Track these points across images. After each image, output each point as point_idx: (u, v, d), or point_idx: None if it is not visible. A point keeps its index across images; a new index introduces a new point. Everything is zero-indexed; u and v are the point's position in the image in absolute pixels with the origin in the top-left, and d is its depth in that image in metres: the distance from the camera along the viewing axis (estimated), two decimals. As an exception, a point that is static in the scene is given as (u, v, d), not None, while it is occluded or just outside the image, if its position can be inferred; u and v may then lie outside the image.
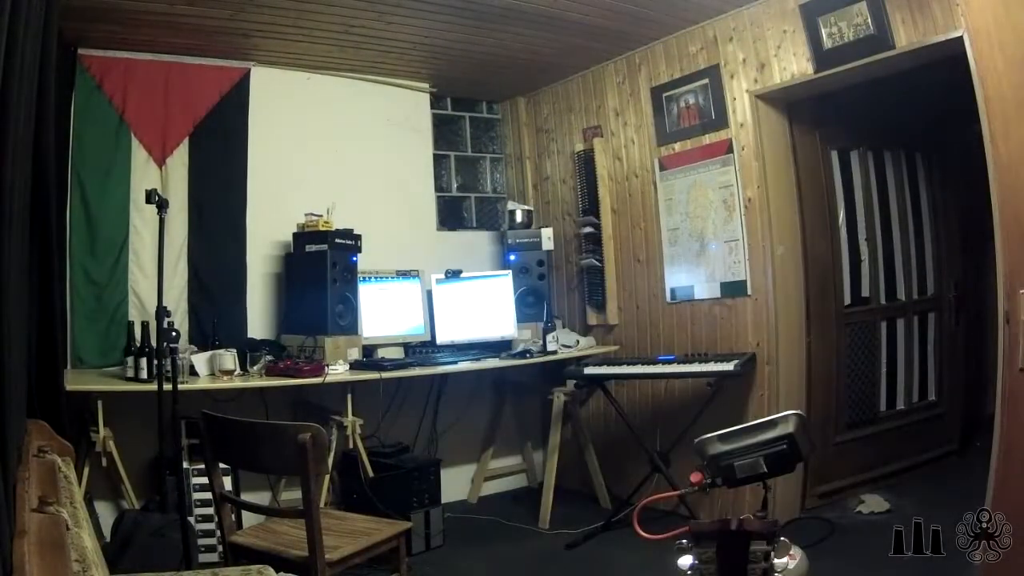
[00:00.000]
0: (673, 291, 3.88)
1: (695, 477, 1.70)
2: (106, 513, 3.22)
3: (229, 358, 3.16)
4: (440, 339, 3.97)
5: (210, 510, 3.01)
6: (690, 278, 3.80)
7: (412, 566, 2.95)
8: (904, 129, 4.09)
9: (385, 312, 3.91)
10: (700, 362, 3.53)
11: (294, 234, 3.77)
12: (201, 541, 2.95)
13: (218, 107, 3.74)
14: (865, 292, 3.93)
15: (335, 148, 4.13)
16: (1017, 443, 2.39)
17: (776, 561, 1.50)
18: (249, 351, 3.29)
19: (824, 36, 3.19)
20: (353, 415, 3.32)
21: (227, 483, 2.40)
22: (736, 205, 3.57)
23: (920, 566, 2.63)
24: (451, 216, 4.66)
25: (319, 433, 2.00)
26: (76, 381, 2.88)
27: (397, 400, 3.87)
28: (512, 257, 4.27)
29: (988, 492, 2.69)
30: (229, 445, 2.21)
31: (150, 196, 2.64)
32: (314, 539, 2.02)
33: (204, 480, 2.80)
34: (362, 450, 3.37)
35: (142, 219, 3.48)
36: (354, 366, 3.44)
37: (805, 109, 3.59)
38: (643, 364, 3.64)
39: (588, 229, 4.24)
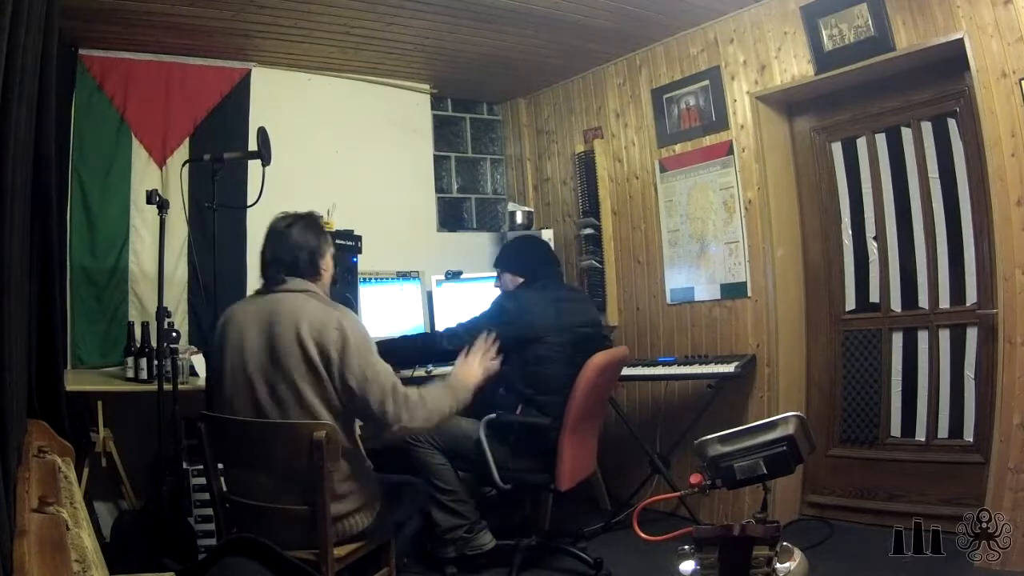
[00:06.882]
0: (673, 292, 3.88)
1: (695, 478, 1.70)
2: (106, 513, 3.22)
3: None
4: (440, 340, 3.97)
5: (210, 510, 3.00)
6: (690, 280, 3.80)
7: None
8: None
9: (385, 313, 3.91)
10: (700, 364, 3.53)
11: (294, 235, 3.76)
12: (201, 541, 2.95)
13: (219, 108, 3.74)
14: (874, 297, 3.44)
15: (336, 149, 4.13)
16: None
17: (778, 566, 1.50)
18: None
19: (825, 38, 3.20)
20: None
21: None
22: (736, 207, 3.57)
23: (920, 567, 2.63)
24: (451, 217, 4.66)
25: (333, 431, 2.01)
26: (76, 381, 2.88)
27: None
28: (512, 258, 4.27)
29: (988, 492, 2.70)
30: (233, 446, 2.20)
31: (151, 196, 2.65)
32: (325, 537, 2.02)
33: (204, 480, 2.80)
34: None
35: (142, 219, 3.49)
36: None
37: (806, 109, 3.59)
38: (643, 366, 3.65)
39: (588, 230, 4.24)
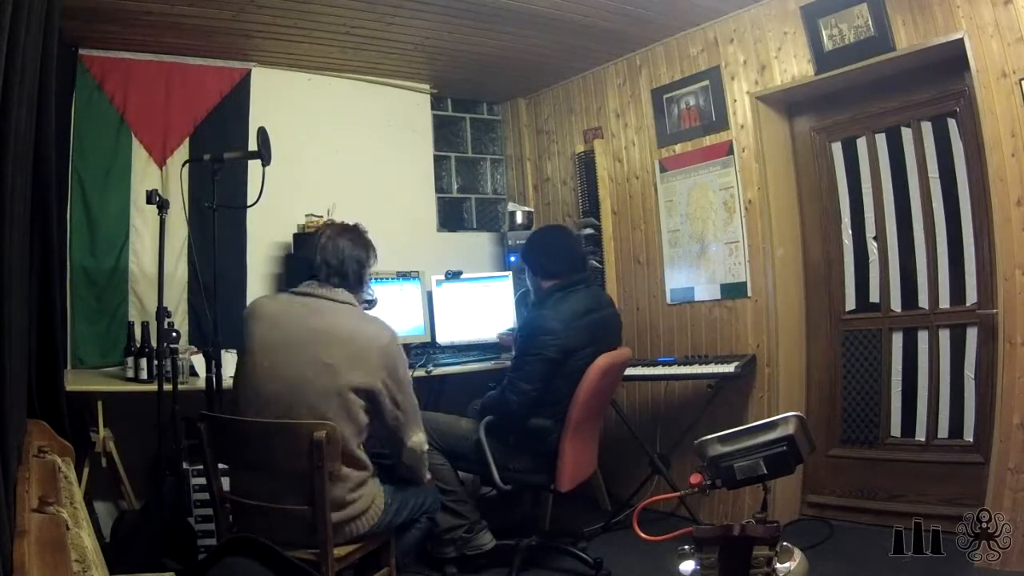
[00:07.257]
0: (673, 292, 3.88)
1: (695, 478, 1.70)
2: (106, 513, 3.22)
3: (230, 359, 3.16)
4: (440, 340, 3.97)
5: (210, 510, 3.00)
6: (690, 280, 3.80)
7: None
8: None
9: (385, 313, 3.89)
10: (700, 364, 3.53)
11: (294, 235, 3.77)
12: (201, 541, 2.95)
13: (219, 108, 3.75)
14: (874, 297, 3.43)
15: (336, 149, 4.13)
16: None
17: (778, 566, 1.50)
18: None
19: (825, 38, 3.20)
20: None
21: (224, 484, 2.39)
22: (736, 207, 3.57)
23: (920, 567, 2.63)
24: (451, 217, 4.66)
25: (333, 431, 2.01)
26: (76, 381, 2.89)
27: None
28: (512, 258, 4.26)
29: (988, 492, 2.70)
30: (233, 446, 2.20)
31: (151, 196, 2.66)
32: (325, 537, 2.02)
33: (204, 480, 2.80)
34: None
35: (142, 219, 3.49)
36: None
37: (806, 109, 3.59)
38: (643, 366, 3.64)
39: (588, 230, 4.23)
